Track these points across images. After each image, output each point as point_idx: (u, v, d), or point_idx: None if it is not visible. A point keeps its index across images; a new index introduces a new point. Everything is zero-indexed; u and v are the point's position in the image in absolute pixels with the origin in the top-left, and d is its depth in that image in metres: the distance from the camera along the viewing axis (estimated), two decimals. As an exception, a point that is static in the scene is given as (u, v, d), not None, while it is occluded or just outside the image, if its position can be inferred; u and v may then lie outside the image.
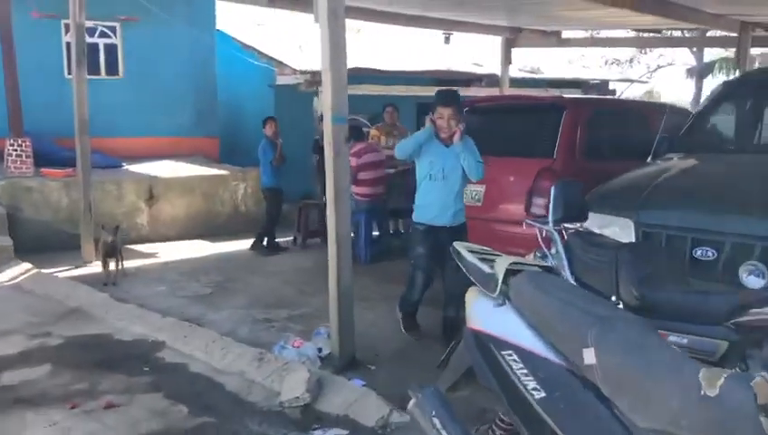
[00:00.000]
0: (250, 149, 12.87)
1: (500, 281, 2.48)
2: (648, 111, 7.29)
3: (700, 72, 18.98)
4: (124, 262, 7.65)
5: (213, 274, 7.89)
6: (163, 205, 9.91)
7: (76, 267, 7.99)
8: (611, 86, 15.81)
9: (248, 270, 8.09)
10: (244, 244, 9.59)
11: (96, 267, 7.73)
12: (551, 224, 4.13)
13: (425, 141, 5.38)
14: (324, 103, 4.93)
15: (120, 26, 12.07)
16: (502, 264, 2.54)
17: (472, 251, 2.78)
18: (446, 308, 5.53)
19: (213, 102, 12.49)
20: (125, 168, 10.63)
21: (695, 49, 19.18)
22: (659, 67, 21.57)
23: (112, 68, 12.20)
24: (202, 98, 12.36)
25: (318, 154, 9.66)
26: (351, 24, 13.94)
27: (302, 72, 11.44)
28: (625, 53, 20.84)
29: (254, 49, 12.26)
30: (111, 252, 7.34)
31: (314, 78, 11.41)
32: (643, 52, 21.07)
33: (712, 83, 19.29)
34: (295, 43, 12.96)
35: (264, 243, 9.06)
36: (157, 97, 11.89)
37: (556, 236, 4.05)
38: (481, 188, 6.84)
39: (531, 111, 7.07)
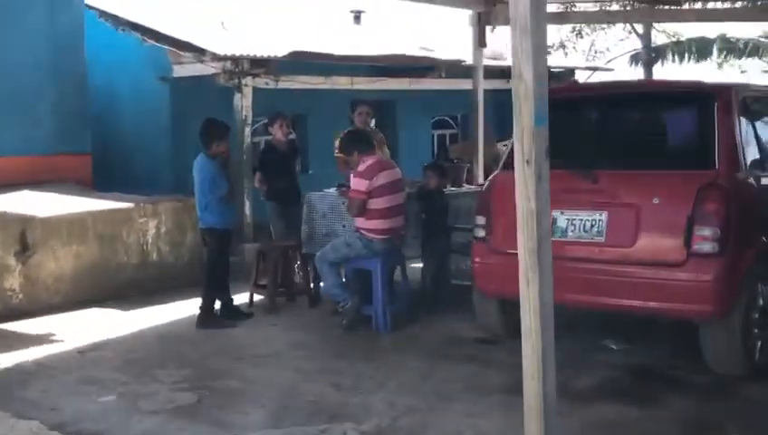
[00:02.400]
0: (134, 171, 10.93)
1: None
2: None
3: (649, 58, 19.04)
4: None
5: (171, 365, 6.13)
6: (43, 258, 7.87)
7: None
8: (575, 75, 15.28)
9: (224, 355, 6.39)
10: (172, 310, 7.83)
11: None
12: None
13: None
14: (521, 102, 3.57)
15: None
16: None
17: None
18: None
19: (82, 105, 10.40)
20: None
21: (640, 32, 19.29)
22: (598, 53, 21.61)
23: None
24: (66, 99, 10.22)
25: (272, 176, 8.11)
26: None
27: (220, 59, 9.71)
28: (553, 37, 20.65)
29: (138, 26, 10.33)
30: None
31: (238, 67, 9.75)
32: (578, 36, 21.00)
33: (663, 71, 19.41)
34: (215, 19, 11.18)
35: (215, 308, 7.28)
36: (1, 100, 9.65)
37: None
38: (600, 217, 5.60)
39: (659, 101, 5.99)
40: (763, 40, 17.29)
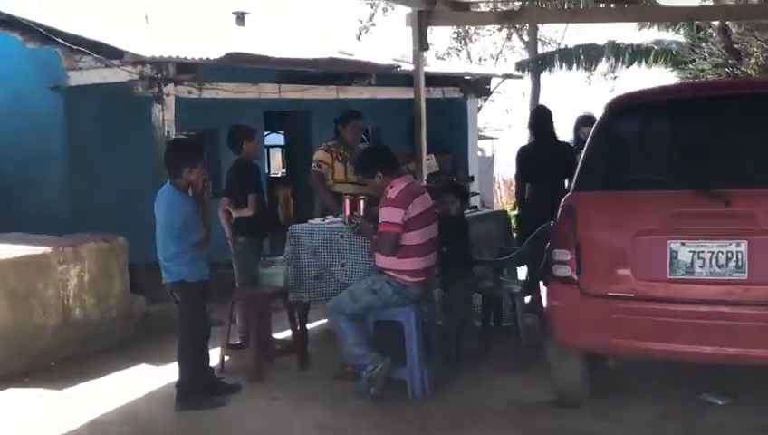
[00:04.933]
0: (18, 206, 8.83)
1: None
2: None
3: (536, 66, 18.51)
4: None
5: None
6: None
7: None
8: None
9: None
10: (119, 384, 6.16)
11: None
12: None
13: None
14: None
15: None
16: None
17: None
18: None
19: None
20: None
21: (526, 39, 18.79)
22: (482, 60, 20.87)
23: None
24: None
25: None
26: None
27: (136, 63, 7.90)
28: (440, 44, 19.80)
29: (18, 22, 8.26)
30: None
31: (161, 72, 7.99)
32: (462, 43, 20.22)
33: (551, 80, 18.99)
34: (136, 13, 9.29)
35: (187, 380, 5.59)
36: None
37: None
38: (739, 247, 4.51)
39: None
40: (653, 46, 17.05)
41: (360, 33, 21.03)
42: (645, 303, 4.73)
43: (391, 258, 5.42)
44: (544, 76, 18.91)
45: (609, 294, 4.82)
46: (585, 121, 8.80)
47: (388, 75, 11.38)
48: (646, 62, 17.43)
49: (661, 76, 17.16)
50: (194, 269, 5.51)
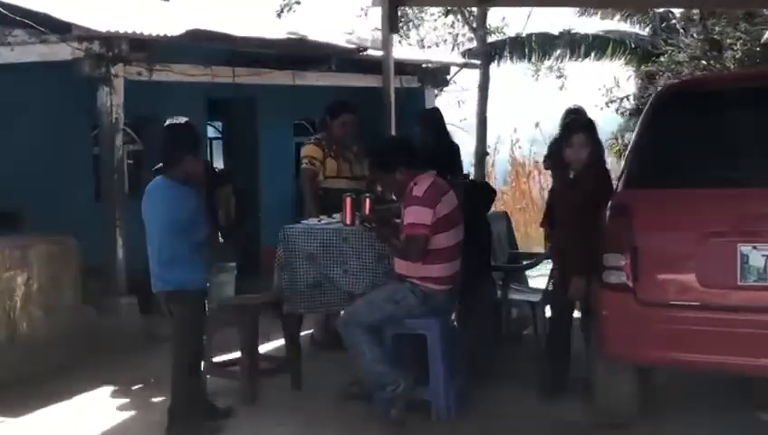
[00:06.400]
0: None
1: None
2: None
3: (486, 57, 18.51)
4: None
5: None
6: None
7: None
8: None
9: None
10: (86, 410, 5.84)
11: None
12: None
13: None
14: None
15: None
16: None
17: None
18: None
19: None
20: None
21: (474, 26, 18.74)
22: (427, 48, 20.72)
23: None
24: None
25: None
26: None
27: (83, 39, 7.51)
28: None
29: None
30: None
31: (112, 50, 7.64)
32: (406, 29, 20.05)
33: (502, 71, 19.06)
34: None
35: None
36: None
37: None
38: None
39: None
40: (610, 37, 17.30)
41: (282, 11, 20.56)
42: (712, 312, 4.66)
43: (416, 264, 5.25)
44: (493, 68, 18.94)
45: (671, 302, 4.76)
46: (574, 115, 8.85)
47: (344, 61, 11.17)
48: (603, 54, 17.70)
49: (618, 70, 17.51)
50: (194, 275, 5.15)
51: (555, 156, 6.94)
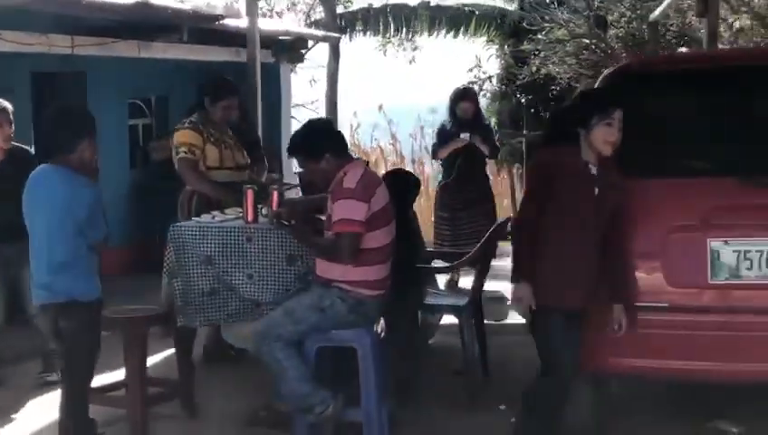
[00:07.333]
0: None
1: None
2: None
3: (335, 29, 18.12)
4: None
5: None
6: None
7: None
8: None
9: None
10: None
11: None
12: None
13: None
14: None
15: None
16: None
17: None
18: None
19: None
20: None
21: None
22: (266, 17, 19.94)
23: None
24: None
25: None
26: None
27: None
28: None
29: None
30: None
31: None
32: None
33: (354, 46, 18.77)
34: None
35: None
36: None
37: None
38: None
39: None
40: (474, 11, 17.21)
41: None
42: (680, 314, 4.55)
43: (345, 266, 4.82)
44: (344, 42, 18.57)
45: (636, 304, 4.60)
46: (463, 95, 8.65)
47: (196, 32, 10.53)
48: (466, 30, 17.61)
49: (478, 48, 17.40)
50: (89, 284, 4.64)
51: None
